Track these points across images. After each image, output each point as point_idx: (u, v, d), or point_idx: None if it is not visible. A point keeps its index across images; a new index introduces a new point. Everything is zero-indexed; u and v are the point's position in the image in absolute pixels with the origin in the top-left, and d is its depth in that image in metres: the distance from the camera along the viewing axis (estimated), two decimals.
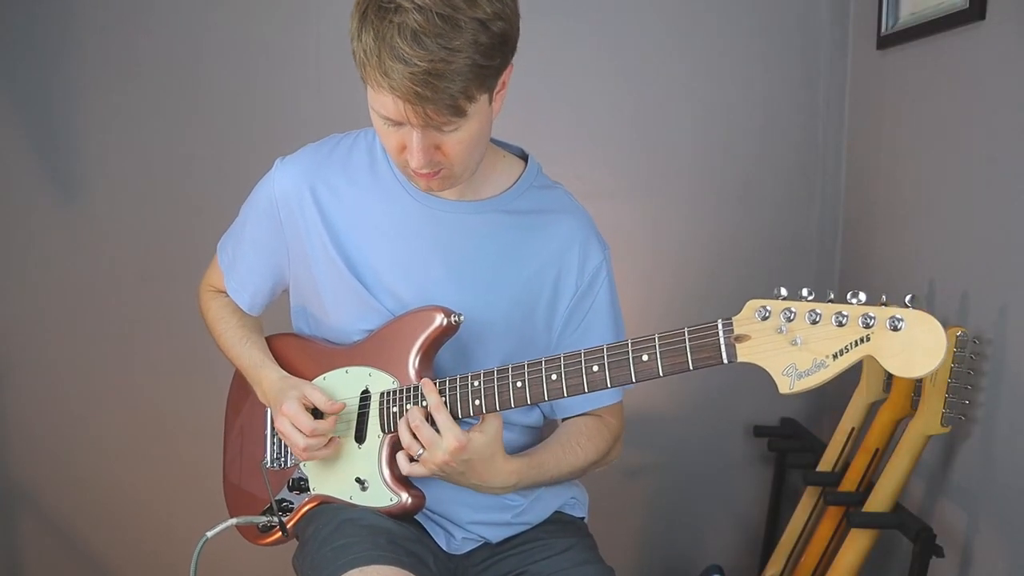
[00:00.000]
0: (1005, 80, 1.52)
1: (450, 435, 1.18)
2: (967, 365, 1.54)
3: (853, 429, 1.87)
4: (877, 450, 1.74)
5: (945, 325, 1.60)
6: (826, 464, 1.91)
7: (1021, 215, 1.47)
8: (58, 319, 2.25)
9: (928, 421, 1.58)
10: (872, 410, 1.83)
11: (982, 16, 1.56)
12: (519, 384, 1.17)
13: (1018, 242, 1.48)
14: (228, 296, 1.45)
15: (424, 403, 1.21)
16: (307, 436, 1.25)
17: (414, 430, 1.20)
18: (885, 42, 1.93)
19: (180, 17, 2.15)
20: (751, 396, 2.23)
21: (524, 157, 1.37)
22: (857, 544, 1.68)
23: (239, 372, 1.47)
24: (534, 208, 1.32)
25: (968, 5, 1.58)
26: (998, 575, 1.52)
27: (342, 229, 1.29)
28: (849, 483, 1.78)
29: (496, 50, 1.08)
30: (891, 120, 1.95)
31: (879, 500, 1.65)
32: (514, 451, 1.29)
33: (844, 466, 1.88)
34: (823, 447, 1.97)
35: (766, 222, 2.23)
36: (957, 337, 1.53)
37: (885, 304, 0.93)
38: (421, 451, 1.20)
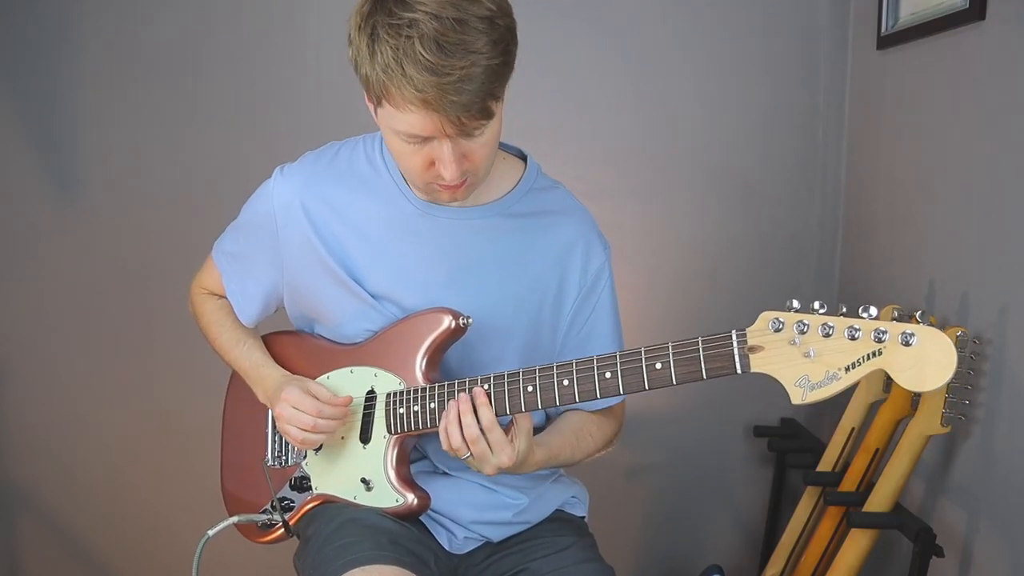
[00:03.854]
0: (1005, 80, 1.52)
1: (503, 454, 1.16)
2: (967, 365, 1.54)
3: (853, 429, 1.87)
4: (877, 450, 1.74)
5: (945, 325, 1.63)
6: (826, 464, 1.91)
7: (1021, 215, 1.47)
8: (58, 319, 2.25)
9: (928, 421, 1.58)
10: (872, 410, 1.83)
11: (982, 16, 1.56)
12: (530, 389, 1.17)
13: (1018, 242, 1.48)
14: (221, 298, 1.44)
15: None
16: (313, 416, 1.24)
17: (471, 441, 1.16)
18: (885, 42, 1.93)
19: (180, 18, 2.15)
20: (751, 396, 2.23)
21: (523, 157, 1.36)
22: (857, 544, 1.68)
23: (236, 373, 1.46)
24: (535, 210, 1.31)
25: (968, 5, 1.58)
26: (998, 575, 1.52)
27: (343, 239, 1.28)
28: (849, 483, 1.78)
29: (508, 45, 1.08)
30: (891, 120, 1.95)
31: (879, 500, 1.65)
32: None
33: (844, 466, 1.87)
34: (823, 447, 1.97)
35: (766, 222, 2.24)
36: (957, 337, 1.52)
37: (896, 319, 0.96)
38: (468, 455, 1.18)
